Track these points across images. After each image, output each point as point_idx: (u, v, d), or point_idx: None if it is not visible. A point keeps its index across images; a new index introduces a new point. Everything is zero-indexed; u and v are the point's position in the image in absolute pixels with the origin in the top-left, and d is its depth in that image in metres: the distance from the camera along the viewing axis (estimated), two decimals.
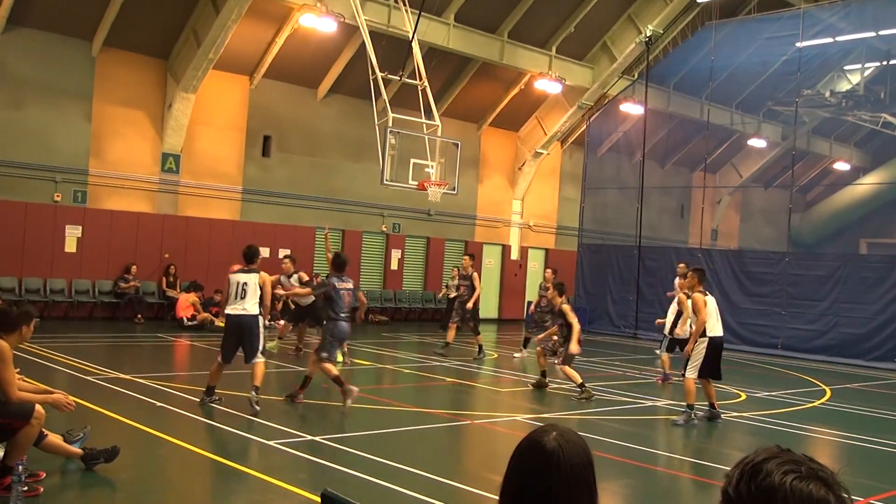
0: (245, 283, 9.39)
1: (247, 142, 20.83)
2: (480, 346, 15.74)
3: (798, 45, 22.23)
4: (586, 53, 24.44)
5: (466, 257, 16.50)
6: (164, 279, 19.25)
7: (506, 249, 26.67)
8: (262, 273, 9.59)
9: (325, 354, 9.94)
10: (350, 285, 10.31)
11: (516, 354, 16.48)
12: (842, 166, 33.88)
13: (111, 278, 18.68)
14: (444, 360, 14.96)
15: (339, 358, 13.77)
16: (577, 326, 11.97)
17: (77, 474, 6.39)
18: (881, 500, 7.15)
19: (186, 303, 18.19)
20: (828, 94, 26.91)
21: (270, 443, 7.83)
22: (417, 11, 18.10)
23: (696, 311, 10.22)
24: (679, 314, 13.12)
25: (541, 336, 13.54)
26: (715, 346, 10.19)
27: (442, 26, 20.71)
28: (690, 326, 11.54)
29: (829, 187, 33.92)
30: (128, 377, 10.94)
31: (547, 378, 12.44)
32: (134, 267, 18.71)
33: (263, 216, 21.00)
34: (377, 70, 17.46)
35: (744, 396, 12.80)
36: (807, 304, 20.14)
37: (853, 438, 10.06)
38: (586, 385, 11.71)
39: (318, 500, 2.69)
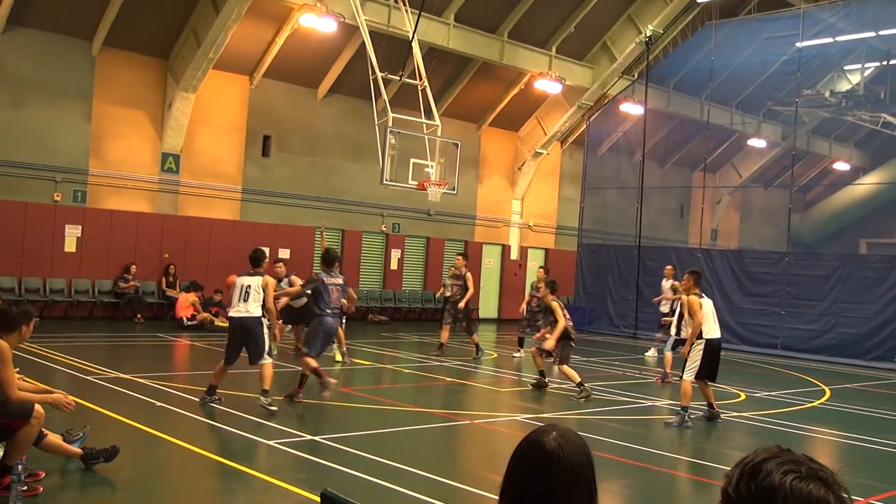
0: (248, 286, 9.41)
1: (247, 142, 20.83)
2: (478, 346, 15.68)
3: (798, 45, 22.23)
4: (586, 53, 24.44)
5: (460, 257, 16.40)
6: (163, 279, 19.25)
7: (505, 249, 26.68)
8: (265, 276, 9.57)
9: (305, 349, 10.00)
10: (339, 281, 10.31)
11: (515, 354, 16.47)
12: (841, 166, 33.89)
13: (111, 278, 18.68)
14: (444, 360, 14.95)
15: (338, 357, 13.78)
16: (561, 324, 11.90)
17: (77, 474, 6.39)
18: (881, 500, 7.15)
19: (186, 303, 18.19)
20: (828, 94, 26.91)
21: (270, 443, 7.83)
22: (417, 11, 18.09)
23: (691, 313, 10.20)
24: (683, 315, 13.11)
25: (536, 336, 13.54)
26: (712, 348, 10.18)
27: (442, 26, 20.71)
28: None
29: (829, 187, 33.93)
30: (127, 377, 10.94)
31: (546, 378, 12.43)
32: (133, 267, 18.71)
33: (263, 216, 21.00)
34: (377, 70, 17.46)
35: (743, 396, 12.80)
36: (806, 304, 20.15)
37: (853, 438, 10.06)
38: (585, 384, 11.71)
39: (318, 499, 2.69)
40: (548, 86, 23.39)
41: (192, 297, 18.32)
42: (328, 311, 10.07)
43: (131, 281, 18.64)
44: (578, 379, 11.75)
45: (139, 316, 18.52)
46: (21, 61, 17.56)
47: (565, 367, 11.95)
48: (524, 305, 16.28)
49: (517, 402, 11.67)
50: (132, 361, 13.41)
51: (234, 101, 20.57)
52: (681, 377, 10.26)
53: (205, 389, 9.54)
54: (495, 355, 16.98)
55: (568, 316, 12.18)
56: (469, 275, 15.81)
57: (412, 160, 17.54)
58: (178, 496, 6.54)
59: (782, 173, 27.58)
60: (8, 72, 17.40)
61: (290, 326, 14.90)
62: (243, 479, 6.67)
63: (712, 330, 10.23)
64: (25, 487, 5.32)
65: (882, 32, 23.67)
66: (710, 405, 10.42)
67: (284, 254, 19.86)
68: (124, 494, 6.28)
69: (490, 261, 26.31)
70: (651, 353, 18.03)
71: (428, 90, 18.28)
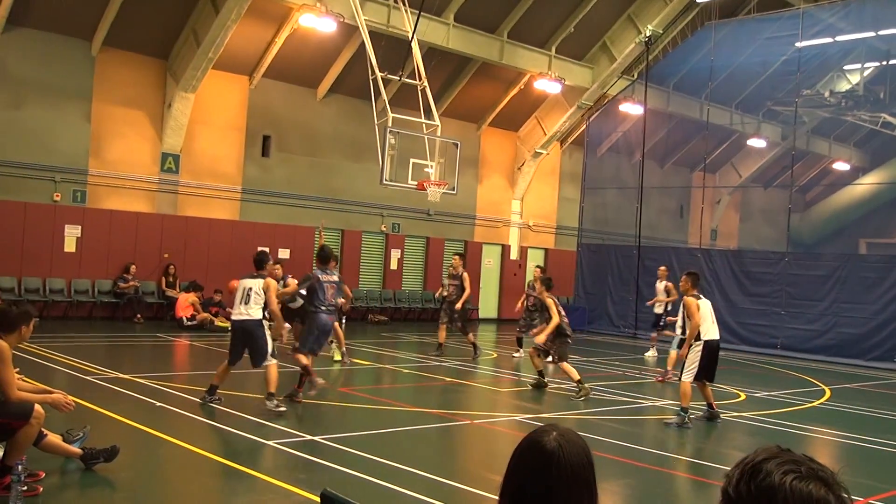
0: (250, 289, 9.38)
1: (246, 142, 20.83)
2: (475, 346, 15.67)
3: (798, 45, 22.24)
4: (586, 53, 24.44)
5: (456, 257, 16.35)
6: (163, 279, 19.25)
7: (505, 249, 26.68)
8: (268, 278, 9.52)
9: (297, 344, 10.04)
10: (335, 278, 10.32)
11: (515, 354, 16.46)
12: (841, 166, 33.89)
13: (110, 278, 18.68)
14: (443, 360, 14.95)
15: (337, 357, 13.77)
16: (555, 320, 11.90)
17: (76, 474, 6.39)
18: (881, 500, 7.16)
19: (186, 303, 18.18)
20: (827, 94, 26.91)
21: (270, 443, 7.83)
22: (417, 11, 18.09)
23: (688, 315, 10.19)
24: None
25: (532, 332, 13.56)
26: (710, 349, 10.17)
27: (441, 26, 20.71)
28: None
29: (829, 187, 33.94)
30: (127, 377, 10.94)
31: (546, 378, 12.43)
32: (133, 267, 18.71)
33: (263, 216, 21.00)
34: (377, 70, 17.46)
35: (743, 396, 12.80)
36: (806, 304, 20.15)
37: (853, 438, 10.07)
38: (584, 383, 11.71)
39: (318, 499, 2.69)
40: (547, 86, 23.39)
41: (191, 297, 18.32)
42: (322, 307, 10.08)
43: (131, 281, 18.64)
44: (578, 377, 11.76)
45: (139, 316, 18.51)
46: (21, 61, 17.56)
47: (565, 365, 11.95)
48: (520, 304, 16.25)
49: (517, 402, 11.67)
50: (132, 361, 13.41)
51: (234, 101, 20.57)
52: (679, 377, 10.26)
53: (205, 389, 9.54)
54: (495, 355, 16.97)
55: (563, 313, 12.18)
56: (466, 275, 15.78)
57: (412, 160, 17.54)
58: (177, 496, 6.54)
59: (782, 173, 27.58)
60: (8, 72, 17.40)
61: (289, 326, 14.90)
62: (243, 480, 6.67)
63: (710, 331, 10.22)
64: (25, 487, 5.32)
65: (881, 32, 23.67)
66: (710, 405, 10.43)
67: (284, 254, 19.87)
68: (124, 494, 6.27)
69: (490, 261, 26.32)
70: (651, 354, 18.02)
71: (427, 90, 18.28)
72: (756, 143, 30.44)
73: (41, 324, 10.07)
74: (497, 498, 1.95)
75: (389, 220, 23.57)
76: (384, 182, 17.08)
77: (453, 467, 7.83)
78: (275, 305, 9.49)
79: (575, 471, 1.87)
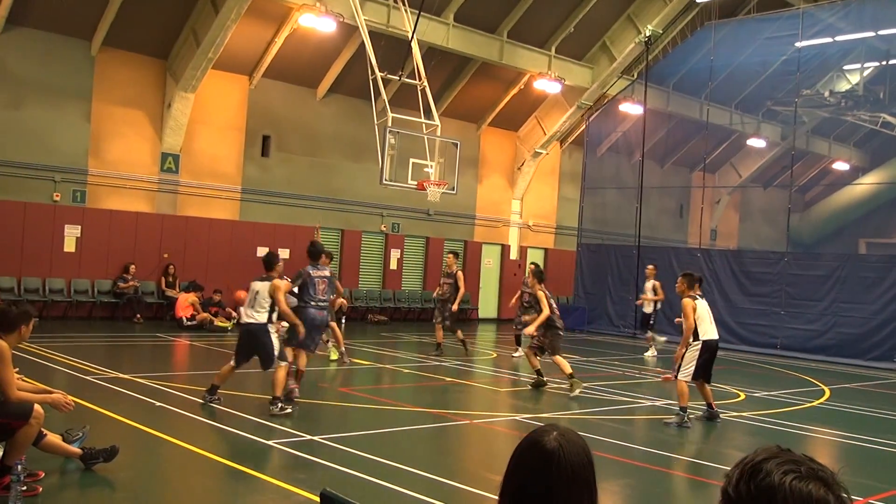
0: (257, 292, 9.35)
1: (246, 141, 20.83)
2: (463, 343, 15.70)
3: (797, 44, 22.24)
4: (586, 53, 24.44)
5: (450, 255, 16.33)
6: (163, 279, 19.24)
7: (505, 249, 26.68)
8: (275, 281, 9.42)
9: (287, 336, 10.02)
10: (326, 273, 10.34)
11: (514, 354, 16.47)
12: (841, 166, 33.90)
13: (110, 278, 18.67)
14: (443, 360, 14.95)
15: (333, 356, 13.75)
16: (545, 313, 11.93)
17: (76, 474, 6.39)
18: (881, 500, 7.16)
19: (186, 303, 18.18)
20: (827, 93, 26.92)
21: (270, 443, 7.83)
22: (417, 11, 18.09)
23: (684, 315, 10.18)
24: None
25: (524, 318, 13.60)
26: (709, 349, 10.18)
27: (441, 26, 20.71)
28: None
29: (829, 187, 33.95)
30: (127, 377, 10.94)
31: (545, 377, 12.42)
32: (133, 267, 18.70)
33: (263, 216, 21.00)
34: (376, 70, 17.46)
35: (743, 396, 12.80)
36: (806, 303, 20.15)
37: (852, 438, 10.07)
38: (576, 377, 11.78)
39: (318, 499, 2.69)
40: (547, 86, 23.39)
41: (191, 297, 18.32)
42: (312, 302, 10.09)
43: (131, 281, 18.64)
44: (570, 370, 11.85)
45: (138, 316, 18.51)
46: (20, 61, 17.55)
47: (557, 358, 11.99)
48: (515, 300, 16.23)
49: (516, 402, 11.67)
50: (131, 361, 13.41)
51: (234, 101, 20.57)
52: (676, 377, 10.26)
53: (206, 388, 9.51)
54: (494, 355, 16.97)
55: (554, 305, 12.21)
56: (460, 274, 15.77)
57: (412, 160, 17.54)
58: (177, 496, 6.54)
59: (782, 173, 27.59)
60: (7, 72, 17.40)
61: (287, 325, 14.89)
62: (243, 479, 6.67)
63: (709, 331, 10.22)
64: (25, 487, 5.32)
65: (881, 32, 23.68)
66: (710, 405, 10.43)
67: (284, 254, 19.82)
68: (124, 494, 6.27)
69: (489, 261, 26.32)
70: (650, 354, 18.03)
71: (427, 90, 18.28)
72: (756, 142, 30.44)
73: (41, 324, 10.07)
74: (497, 498, 1.95)
75: (389, 219, 23.57)
76: (384, 182, 17.08)
77: (453, 467, 7.83)
78: (284, 305, 9.39)
79: (575, 470, 1.87)
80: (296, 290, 10.34)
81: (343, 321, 19.87)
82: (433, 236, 24.58)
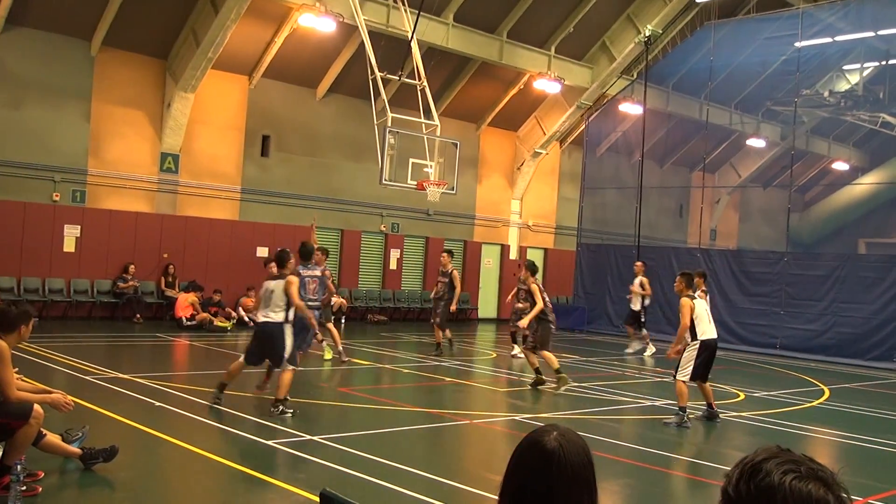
0: (272, 291, 9.33)
1: (246, 141, 20.83)
2: (450, 342, 15.71)
3: (797, 44, 22.25)
4: (585, 53, 24.45)
5: (445, 254, 16.31)
6: (162, 279, 19.24)
7: (504, 249, 26.68)
8: (288, 278, 9.37)
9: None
10: (316, 273, 10.36)
11: (513, 353, 16.48)
12: (840, 166, 33.91)
13: (110, 278, 18.67)
14: (443, 360, 14.96)
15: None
16: (539, 306, 12.00)
17: (76, 474, 6.38)
18: (880, 500, 7.16)
19: (185, 303, 18.18)
20: (827, 93, 26.93)
21: (270, 443, 7.82)
22: (416, 11, 18.10)
23: (680, 315, 10.18)
24: None
25: (518, 306, 13.69)
26: (707, 348, 10.18)
27: (441, 26, 20.71)
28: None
29: (828, 187, 33.96)
30: (126, 377, 10.94)
31: (544, 375, 12.43)
32: (132, 267, 18.70)
33: (262, 216, 21.00)
34: (376, 70, 17.46)
35: (742, 396, 12.81)
36: (805, 303, 20.15)
37: (852, 438, 10.07)
38: (563, 373, 11.92)
39: (318, 499, 2.69)
40: (547, 86, 23.40)
41: (191, 297, 18.32)
42: (304, 301, 10.09)
43: (130, 281, 18.64)
44: (557, 366, 11.97)
45: (138, 316, 18.50)
46: (20, 61, 17.55)
47: (545, 353, 12.05)
48: (511, 296, 16.23)
49: (516, 402, 11.67)
50: (131, 361, 13.41)
51: (233, 101, 20.57)
52: (674, 378, 10.26)
53: (216, 386, 9.44)
54: (494, 355, 16.97)
55: (547, 299, 12.30)
56: (455, 273, 15.77)
57: (411, 160, 17.54)
58: (177, 496, 6.53)
59: (781, 173, 27.60)
60: (7, 72, 17.39)
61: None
62: (243, 479, 6.67)
63: (707, 331, 10.22)
64: (24, 487, 5.32)
65: (881, 32, 23.68)
66: (710, 405, 10.43)
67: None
68: (123, 494, 6.27)
69: (489, 261, 26.32)
70: (648, 353, 18.04)
71: (427, 90, 18.28)
72: (755, 142, 30.45)
73: (40, 324, 10.08)
74: (497, 498, 1.95)
75: (389, 219, 23.57)
76: (383, 182, 17.08)
77: (453, 467, 7.83)
78: (298, 300, 9.33)
79: (575, 470, 1.87)
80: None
81: (343, 321, 19.94)
82: (433, 236, 24.58)
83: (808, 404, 12.68)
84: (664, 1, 22.79)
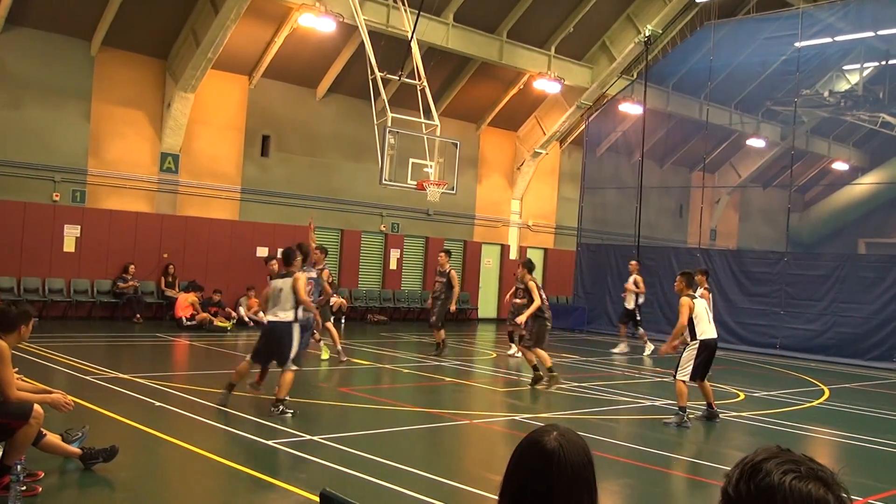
0: (280, 289, 9.32)
1: (246, 141, 20.83)
2: (442, 342, 15.66)
3: (797, 44, 22.25)
4: (585, 53, 24.45)
5: (442, 254, 16.26)
6: (162, 279, 19.24)
7: (504, 249, 26.68)
8: (296, 275, 9.37)
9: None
10: (312, 274, 10.35)
11: (510, 352, 16.51)
12: (840, 166, 33.91)
13: (110, 278, 18.67)
14: (443, 360, 14.95)
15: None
16: (536, 303, 12.09)
17: (76, 474, 6.38)
18: (880, 499, 7.16)
19: (185, 303, 18.18)
20: (827, 93, 26.93)
21: (270, 443, 7.83)
22: (416, 11, 18.10)
23: (679, 313, 10.19)
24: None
25: (515, 301, 13.76)
26: (707, 348, 10.19)
27: (441, 26, 20.71)
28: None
29: (828, 187, 33.96)
30: (126, 377, 10.94)
31: (541, 372, 12.45)
32: (132, 267, 18.70)
33: (262, 216, 21.00)
34: (376, 70, 17.46)
35: (742, 396, 12.81)
36: (805, 303, 20.15)
37: (852, 438, 10.07)
38: (555, 372, 12.04)
39: (318, 499, 2.69)
40: (547, 85, 23.40)
41: (191, 297, 18.32)
42: None
43: (130, 281, 18.64)
44: (550, 364, 12.07)
45: (138, 316, 18.51)
46: (20, 61, 17.55)
47: (539, 351, 12.11)
48: (509, 296, 16.25)
49: (516, 402, 11.67)
50: (131, 361, 13.41)
51: (233, 101, 20.57)
52: (674, 377, 10.26)
53: (224, 387, 9.42)
54: (494, 355, 16.97)
55: (544, 297, 12.39)
56: (453, 273, 15.76)
57: (411, 160, 17.55)
58: (177, 496, 6.53)
59: (781, 173, 27.60)
60: (7, 72, 17.39)
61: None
62: (243, 479, 6.67)
63: (707, 331, 10.23)
64: (24, 487, 5.32)
65: (881, 32, 23.68)
66: (710, 405, 10.43)
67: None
68: (123, 494, 6.27)
69: (489, 261, 26.32)
70: (647, 353, 18.05)
71: (427, 90, 18.28)
72: (755, 142, 30.45)
73: (40, 324, 10.07)
74: (497, 498, 1.95)
75: (389, 219, 23.57)
76: (383, 182, 17.08)
77: (453, 467, 7.83)
78: (304, 296, 9.33)
79: (575, 470, 1.87)
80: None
81: (343, 321, 19.93)
82: (433, 236, 24.58)
83: (808, 404, 12.68)
84: (664, 1, 22.79)
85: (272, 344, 9.33)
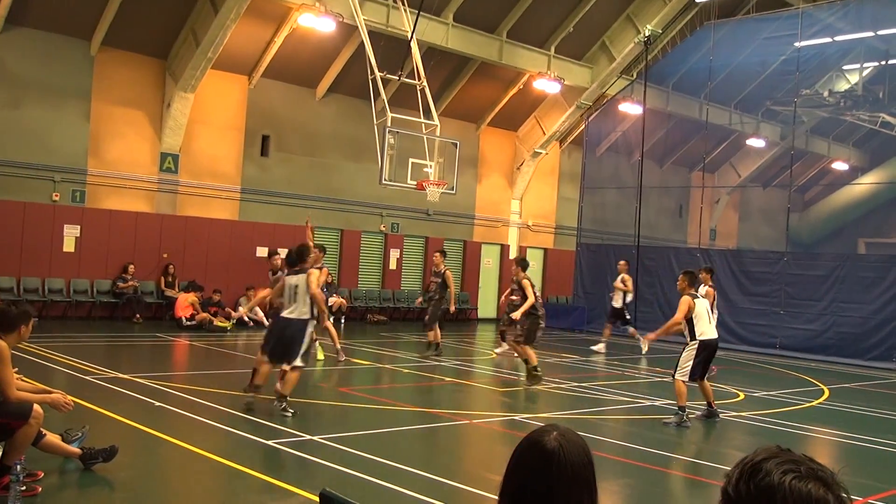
0: (295, 286, 9.31)
1: (245, 141, 20.82)
2: (429, 344, 15.68)
3: (797, 44, 22.25)
4: (585, 53, 24.45)
5: (438, 254, 16.24)
6: (162, 279, 19.24)
7: (504, 249, 26.68)
8: (310, 271, 9.37)
9: (263, 343, 10.03)
10: (295, 282, 10.34)
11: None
12: (840, 166, 33.92)
13: (109, 278, 18.67)
14: (443, 360, 14.96)
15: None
16: (530, 300, 12.22)
17: (75, 474, 6.38)
18: (880, 499, 7.16)
19: (185, 303, 18.18)
20: (826, 93, 26.93)
21: (270, 443, 7.83)
22: (416, 11, 18.10)
23: (678, 310, 10.20)
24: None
25: (511, 299, 13.81)
26: (706, 349, 10.19)
27: (441, 26, 20.71)
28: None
29: (828, 187, 33.97)
30: (126, 377, 10.94)
31: (532, 365, 12.49)
32: (132, 266, 18.69)
33: (262, 216, 21.00)
34: (376, 70, 17.46)
35: (742, 396, 12.81)
36: (805, 303, 20.16)
37: (852, 438, 10.07)
38: (540, 370, 12.11)
39: (317, 499, 2.69)
40: (546, 85, 23.40)
41: (191, 297, 18.32)
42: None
43: (130, 281, 18.63)
44: (535, 362, 12.14)
45: (138, 316, 18.50)
46: (20, 61, 17.55)
47: (527, 349, 12.17)
48: (504, 298, 16.26)
49: (516, 402, 11.68)
50: (131, 361, 13.41)
51: (233, 101, 20.56)
52: (673, 377, 10.27)
53: (251, 391, 9.40)
54: (494, 355, 16.96)
55: (538, 295, 12.50)
56: (448, 273, 15.76)
57: (411, 160, 17.54)
58: (177, 496, 6.53)
59: (781, 173, 27.61)
60: (7, 71, 17.39)
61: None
62: (243, 479, 6.67)
63: (707, 332, 10.23)
64: (24, 487, 5.32)
65: (880, 32, 23.69)
66: (710, 404, 10.44)
67: (283, 254, 19.83)
68: (123, 494, 6.27)
69: (489, 260, 26.32)
70: (645, 350, 18.04)
71: (427, 90, 18.28)
72: (755, 142, 30.45)
73: (40, 324, 10.06)
74: (497, 497, 1.95)
75: (389, 219, 23.57)
76: (383, 182, 17.08)
77: (453, 467, 7.83)
78: (315, 290, 9.32)
79: (575, 470, 1.87)
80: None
81: (342, 321, 19.94)
82: (432, 236, 24.58)
83: (808, 404, 12.69)
84: (664, 1, 22.79)
85: (285, 340, 9.34)
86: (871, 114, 28.25)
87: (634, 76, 24.85)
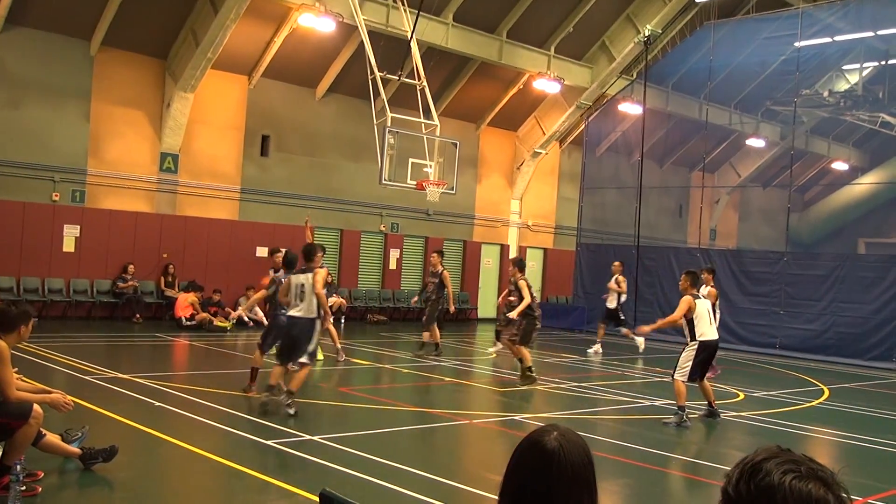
0: (302, 285, 9.33)
1: (245, 141, 20.82)
2: (425, 344, 15.67)
3: (797, 44, 22.25)
4: (585, 53, 24.45)
5: (435, 254, 16.27)
6: (162, 279, 19.24)
7: (504, 249, 26.67)
8: (315, 270, 9.39)
9: (259, 342, 10.03)
10: (301, 281, 10.38)
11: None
12: (840, 166, 33.92)
13: (109, 278, 18.66)
14: (442, 360, 14.96)
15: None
16: (526, 300, 12.28)
17: (75, 474, 6.38)
18: (880, 499, 7.16)
19: (185, 303, 18.18)
20: (826, 93, 26.93)
21: (269, 443, 7.82)
22: (416, 11, 18.10)
23: (678, 308, 10.21)
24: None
25: (508, 300, 13.86)
26: (706, 349, 10.19)
27: (440, 26, 20.71)
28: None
29: (828, 187, 33.97)
30: (126, 377, 10.94)
31: (527, 365, 12.50)
32: (132, 266, 18.69)
33: (262, 216, 20.99)
34: (376, 70, 17.46)
35: (742, 396, 12.81)
36: (805, 303, 20.16)
37: (852, 438, 10.07)
38: (534, 371, 12.17)
39: (317, 499, 2.69)
40: (546, 85, 23.40)
41: (191, 297, 18.32)
42: (283, 309, 10.11)
43: (130, 281, 18.63)
44: (530, 363, 12.19)
45: (138, 316, 18.50)
46: (20, 61, 17.54)
47: (522, 349, 12.21)
48: (502, 299, 16.26)
49: (516, 402, 11.67)
50: (131, 361, 13.41)
51: (233, 101, 20.56)
52: (672, 377, 10.27)
53: (266, 391, 9.40)
54: (493, 355, 16.96)
55: (535, 296, 12.57)
56: (446, 273, 15.77)
57: (411, 160, 17.54)
58: (177, 496, 6.54)
59: (781, 173, 27.61)
60: (6, 71, 17.39)
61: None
62: (243, 479, 6.67)
63: (707, 332, 10.23)
64: (24, 487, 5.32)
65: (880, 32, 23.69)
66: (710, 404, 10.44)
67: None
68: (123, 494, 6.27)
69: (489, 260, 26.32)
70: (642, 349, 18.06)
71: (427, 90, 18.28)
72: (755, 142, 30.45)
73: (40, 324, 10.06)
74: (497, 497, 1.95)
75: (388, 219, 23.57)
76: (383, 182, 17.08)
77: (452, 467, 7.83)
78: (319, 288, 9.34)
79: (575, 470, 1.87)
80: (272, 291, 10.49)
81: (342, 321, 19.94)
82: (432, 236, 24.58)
83: (808, 404, 12.69)
84: (664, 1, 22.79)
85: (293, 339, 9.36)
86: (870, 114, 28.25)
87: (634, 76, 24.85)
